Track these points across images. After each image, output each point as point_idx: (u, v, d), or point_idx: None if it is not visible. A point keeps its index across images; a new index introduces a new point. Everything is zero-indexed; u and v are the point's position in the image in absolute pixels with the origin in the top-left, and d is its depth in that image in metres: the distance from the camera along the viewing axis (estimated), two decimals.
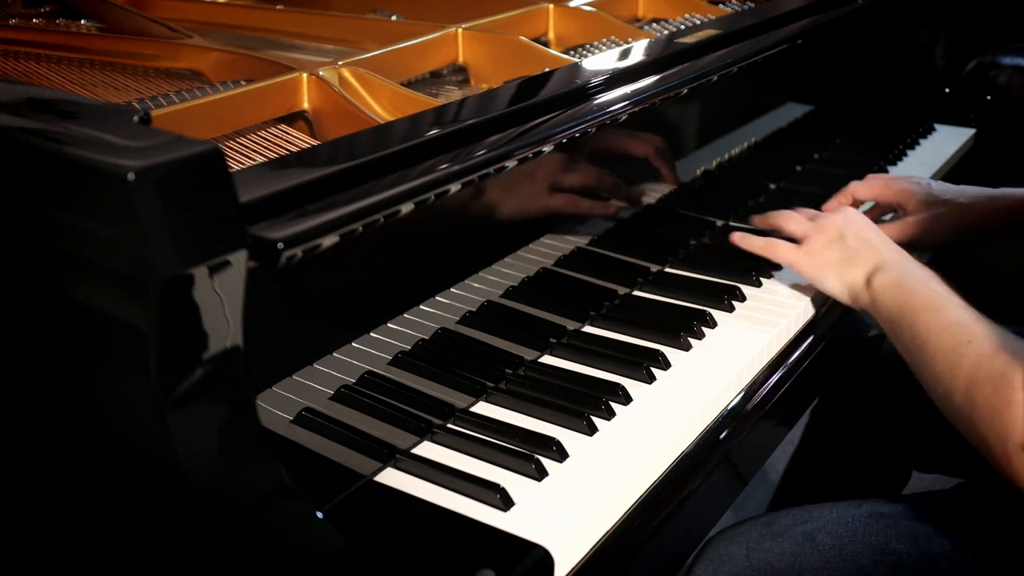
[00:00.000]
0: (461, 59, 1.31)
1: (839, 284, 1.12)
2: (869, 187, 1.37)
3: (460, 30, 1.30)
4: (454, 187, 0.87)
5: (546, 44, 1.45)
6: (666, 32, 1.45)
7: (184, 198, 0.64)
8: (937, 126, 1.86)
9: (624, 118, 1.08)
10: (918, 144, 1.78)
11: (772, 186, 1.53)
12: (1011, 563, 0.97)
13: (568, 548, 0.81)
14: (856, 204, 1.37)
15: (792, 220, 1.21)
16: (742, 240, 1.23)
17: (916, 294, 1.02)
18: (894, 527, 1.01)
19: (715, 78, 1.21)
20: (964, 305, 0.98)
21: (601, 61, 1.19)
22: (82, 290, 0.69)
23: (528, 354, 1.06)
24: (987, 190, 1.32)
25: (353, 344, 0.91)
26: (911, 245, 1.29)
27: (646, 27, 1.56)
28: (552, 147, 0.99)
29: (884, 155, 1.68)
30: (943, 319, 0.97)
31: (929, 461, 1.42)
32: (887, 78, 1.86)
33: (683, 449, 0.96)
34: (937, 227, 1.31)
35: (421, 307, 0.98)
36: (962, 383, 0.91)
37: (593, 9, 1.47)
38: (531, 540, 0.80)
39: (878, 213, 1.39)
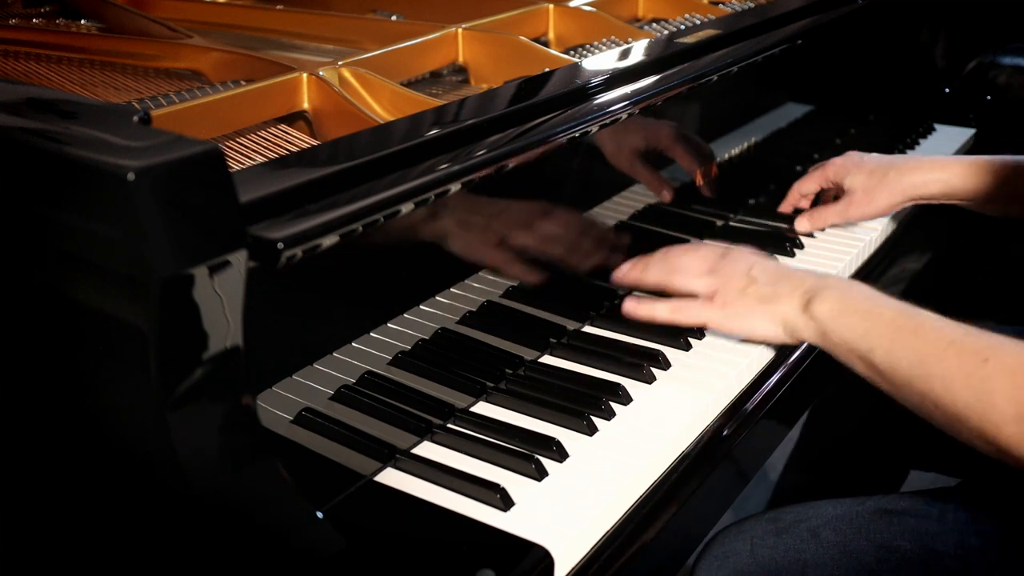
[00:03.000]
0: (461, 59, 1.31)
1: (772, 325, 1.03)
2: (811, 178, 1.39)
3: (460, 30, 1.30)
4: (454, 187, 0.87)
5: (546, 44, 1.45)
6: (666, 32, 1.45)
7: (184, 198, 0.64)
8: (937, 126, 1.86)
9: (624, 118, 1.08)
10: (918, 144, 1.78)
11: (772, 186, 1.53)
12: (1017, 560, 0.97)
13: (568, 548, 0.81)
14: (807, 198, 1.41)
15: (687, 277, 1.09)
16: (638, 309, 1.09)
17: (876, 317, 0.94)
18: (898, 524, 1.01)
19: (715, 78, 1.21)
20: (932, 314, 0.92)
21: (601, 61, 1.19)
22: (82, 290, 0.69)
23: (528, 354, 1.06)
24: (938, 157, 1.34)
25: (353, 344, 0.91)
26: (861, 215, 1.33)
27: (646, 27, 1.55)
28: (552, 147, 0.99)
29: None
30: (930, 339, 0.89)
31: (927, 460, 1.42)
32: (887, 78, 1.86)
33: (683, 449, 0.96)
34: (881, 193, 1.31)
35: (421, 307, 0.98)
36: (1012, 410, 0.81)
37: (593, 9, 1.47)
38: (531, 540, 0.80)
39: (829, 199, 1.40)
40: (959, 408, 0.85)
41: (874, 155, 1.38)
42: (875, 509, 1.04)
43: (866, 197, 1.33)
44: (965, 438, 0.87)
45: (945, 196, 1.32)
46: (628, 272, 1.12)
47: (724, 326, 1.06)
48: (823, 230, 1.39)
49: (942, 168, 1.31)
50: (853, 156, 1.37)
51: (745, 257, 1.09)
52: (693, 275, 1.08)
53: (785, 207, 1.42)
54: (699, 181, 1.33)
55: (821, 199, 1.42)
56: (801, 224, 1.37)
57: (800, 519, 1.05)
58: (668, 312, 1.07)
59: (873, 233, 1.39)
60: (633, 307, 1.09)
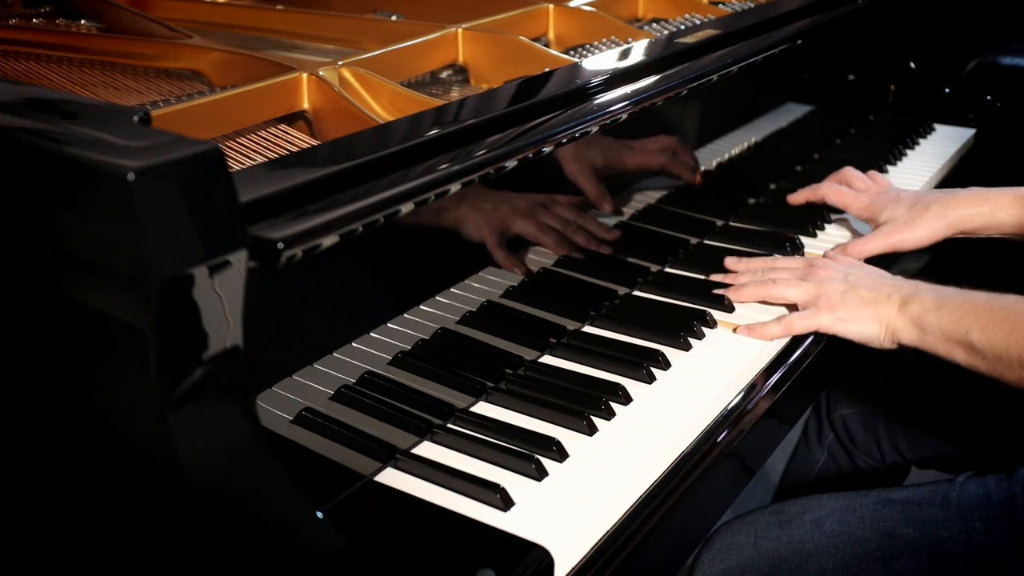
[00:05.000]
0: (461, 59, 1.31)
1: (875, 326, 1.08)
2: (842, 198, 1.36)
3: (460, 30, 1.30)
4: (454, 187, 0.87)
5: (546, 44, 1.45)
6: (666, 32, 1.45)
7: (184, 198, 0.64)
8: (937, 126, 1.86)
9: (624, 118, 1.08)
10: (918, 144, 1.78)
11: (772, 186, 1.53)
12: (1021, 547, 0.99)
13: (568, 548, 0.81)
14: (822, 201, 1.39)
15: (788, 286, 1.14)
16: (753, 332, 1.12)
17: (969, 303, 1.01)
18: (901, 512, 1.04)
19: (715, 78, 1.21)
20: (1016, 296, 0.99)
21: (601, 61, 1.19)
22: (82, 290, 0.69)
23: (528, 354, 1.06)
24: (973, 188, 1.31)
25: (353, 344, 0.91)
26: (901, 243, 1.30)
27: (646, 27, 1.55)
28: (553, 147, 0.99)
29: (884, 155, 1.68)
30: (1020, 310, 0.96)
31: (927, 458, 1.43)
32: (887, 78, 1.86)
33: (683, 449, 0.96)
34: (923, 225, 1.29)
35: (421, 307, 0.98)
36: None
37: (593, 9, 1.47)
38: (531, 540, 0.80)
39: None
40: None
41: (909, 191, 1.36)
42: (878, 499, 1.06)
43: (907, 227, 1.29)
44: None
45: (989, 229, 1.30)
46: (729, 293, 1.17)
47: (834, 328, 1.10)
48: (821, 229, 1.40)
49: (984, 201, 1.28)
50: (890, 193, 1.35)
51: (836, 263, 1.16)
52: (787, 285, 1.14)
53: (798, 198, 1.40)
54: (697, 181, 1.34)
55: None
56: (836, 254, 1.31)
57: (804, 511, 1.07)
58: (781, 329, 1.11)
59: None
60: (748, 331, 1.12)
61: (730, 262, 1.24)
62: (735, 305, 1.17)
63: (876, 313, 1.08)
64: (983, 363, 0.99)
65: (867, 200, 1.34)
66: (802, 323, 1.11)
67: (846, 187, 1.38)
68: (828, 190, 1.37)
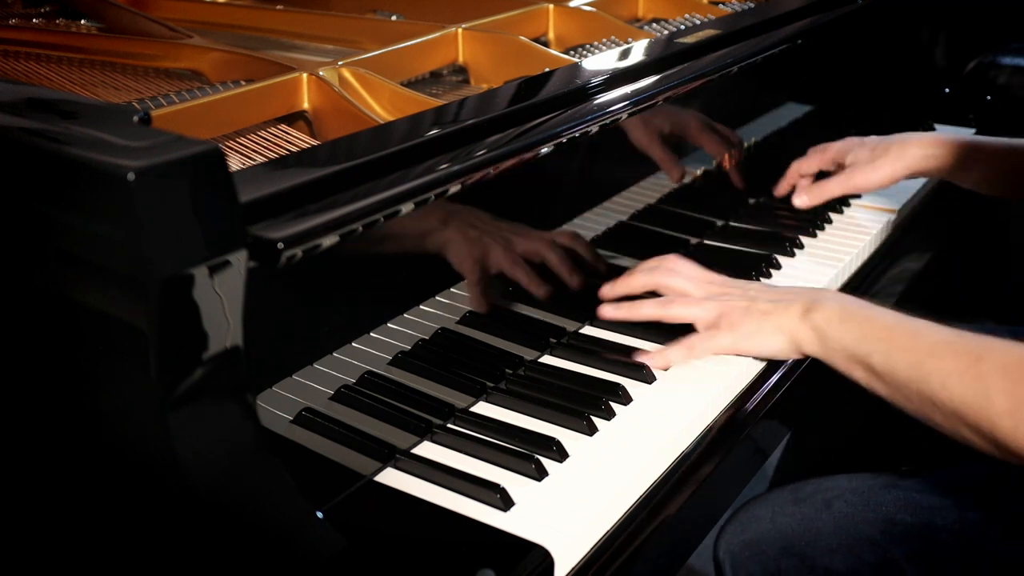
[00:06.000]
0: (461, 59, 1.31)
1: (779, 338, 1.03)
2: (811, 159, 1.41)
3: (460, 30, 1.30)
4: (454, 187, 0.87)
5: (546, 44, 1.45)
6: (666, 32, 1.45)
7: (184, 198, 0.64)
8: (937, 126, 1.86)
9: (624, 118, 1.08)
10: None
11: (772, 186, 1.53)
12: (1013, 533, 1.01)
13: (568, 548, 0.81)
14: (805, 178, 1.41)
15: (687, 306, 1.07)
16: (654, 359, 1.05)
17: (873, 322, 0.96)
18: (903, 499, 1.07)
19: (715, 78, 1.21)
20: (926, 321, 0.94)
21: (601, 61, 1.19)
22: (82, 290, 0.69)
23: (528, 354, 1.06)
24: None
25: (353, 344, 0.91)
26: (865, 182, 1.35)
27: (646, 27, 1.55)
28: (552, 147, 0.99)
29: None
30: (926, 341, 0.91)
31: (925, 459, 1.43)
32: (887, 78, 1.86)
33: (683, 449, 0.96)
34: (884, 164, 1.33)
35: (421, 307, 0.98)
36: (1008, 404, 0.83)
37: (593, 9, 1.47)
38: (531, 540, 0.80)
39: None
40: (956, 405, 0.87)
41: (874, 136, 1.40)
42: (885, 483, 1.09)
43: (869, 167, 1.34)
44: (963, 436, 0.89)
45: (941, 172, 1.35)
46: (616, 311, 1.10)
47: (738, 347, 1.06)
48: (820, 228, 1.40)
49: (941, 144, 1.33)
50: (852, 139, 1.40)
51: (736, 280, 1.11)
52: (689, 304, 1.08)
53: (783, 187, 1.43)
54: (725, 165, 1.36)
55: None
56: (800, 199, 1.38)
57: (818, 490, 1.10)
58: (683, 354, 1.06)
59: (872, 233, 1.39)
60: (648, 359, 1.05)
61: (605, 289, 1.13)
62: None
63: (779, 325, 1.03)
64: (883, 388, 0.95)
65: (833, 149, 1.39)
66: (703, 344, 1.05)
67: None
68: (795, 166, 1.41)
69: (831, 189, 1.36)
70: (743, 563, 1.09)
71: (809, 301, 1.02)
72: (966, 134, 1.33)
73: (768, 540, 1.08)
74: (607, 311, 1.11)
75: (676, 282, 1.10)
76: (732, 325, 1.05)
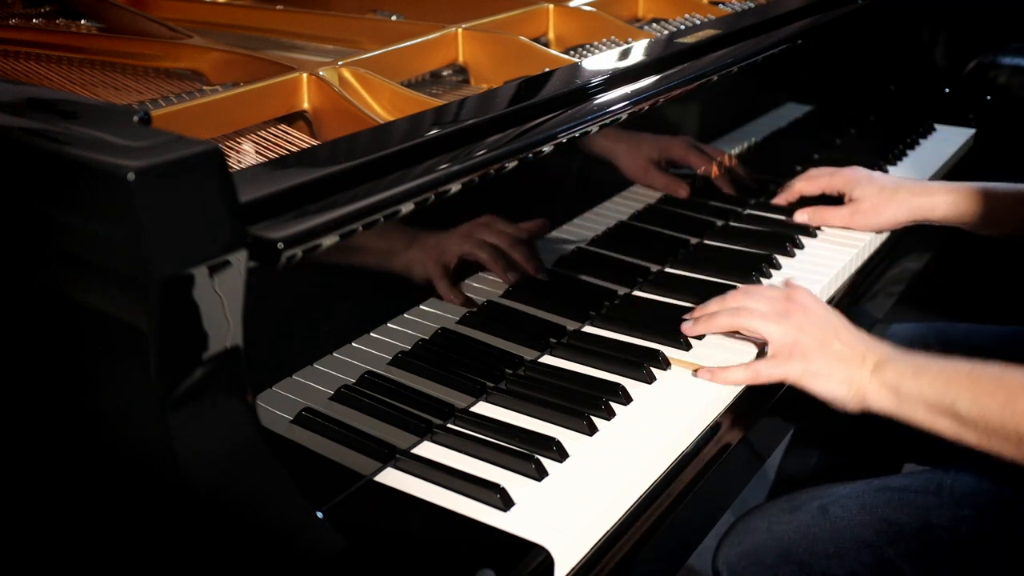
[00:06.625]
0: (461, 59, 1.31)
1: (844, 388, 1.01)
2: (816, 182, 1.43)
3: (460, 30, 1.30)
4: (454, 187, 0.87)
5: (546, 44, 1.45)
6: (666, 32, 1.45)
7: (184, 198, 0.64)
8: (937, 126, 1.86)
9: (624, 118, 1.08)
10: (918, 144, 1.77)
11: (772, 186, 1.53)
12: (1007, 530, 1.02)
13: (568, 548, 0.81)
14: (804, 199, 1.43)
15: (756, 319, 1.06)
16: (716, 375, 1.04)
17: (951, 371, 0.96)
18: (899, 500, 1.07)
19: (715, 78, 1.21)
20: (1001, 364, 0.94)
21: (601, 61, 1.19)
22: (82, 290, 0.69)
23: (528, 354, 1.06)
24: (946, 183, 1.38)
25: (353, 344, 0.91)
26: (864, 225, 1.38)
27: (646, 27, 1.55)
28: (552, 147, 0.99)
29: (884, 155, 1.68)
30: (1012, 381, 0.92)
31: (923, 456, 1.43)
32: (887, 78, 1.86)
33: (683, 449, 0.97)
34: (888, 209, 1.36)
35: (421, 307, 0.98)
36: None
37: (593, 9, 1.47)
38: (531, 540, 0.80)
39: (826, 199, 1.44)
40: None
41: (882, 174, 1.43)
42: (880, 486, 1.09)
43: (873, 210, 1.37)
44: None
45: (950, 219, 1.36)
46: (695, 325, 1.10)
47: (803, 382, 1.02)
48: (820, 228, 1.40)
49: (949, 192, 1.35)
50: (862, 171, 1.42)
51: (819, 307, 1.07)
52: (763, 317, 1.05)
53: (780, 200, 1.46)
54: (714, 173, 1.36)
55: (818, 201, 1.43)
56: (801, 216, 1.41)
57: (813, 498, 1.11)
58: (749, 377, 1.03)
59: (872, 233, 1.39)
60: (710, 375, 1.04)
61: (686, 326, 1.12)
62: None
63: (849, 376, 1.00)
64: (973, 435, 0.94)
65: (842, 177, 1.41)
66: (769, 371, 1.03)
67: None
68: (800, 184, 1.44)
69: (833, 220, 1.39)
70: (742, 574, 1.09)
71: (883, 356, 1.00)
72: (976, 187, 1.33)
73: (766, 550, 1.09)
74: (686, 328, 1.11)
75: (750, 301, 1.08)
76: (805, 356, 1.02)
